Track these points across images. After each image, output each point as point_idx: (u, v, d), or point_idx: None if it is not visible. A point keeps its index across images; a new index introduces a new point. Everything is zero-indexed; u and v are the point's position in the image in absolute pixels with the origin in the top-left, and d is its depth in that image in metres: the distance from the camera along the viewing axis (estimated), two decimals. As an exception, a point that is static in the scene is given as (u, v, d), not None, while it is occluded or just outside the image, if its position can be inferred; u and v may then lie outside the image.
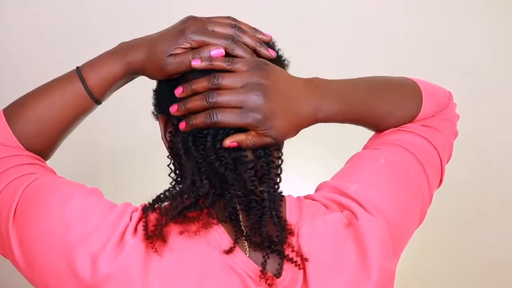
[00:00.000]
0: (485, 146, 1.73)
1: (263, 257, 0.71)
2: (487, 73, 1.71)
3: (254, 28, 0.79)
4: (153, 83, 0.81)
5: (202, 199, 0.72)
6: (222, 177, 0.72)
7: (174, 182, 0.77)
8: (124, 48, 0.78)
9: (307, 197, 0.81)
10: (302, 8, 1.66)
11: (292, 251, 0.72)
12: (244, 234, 0.72)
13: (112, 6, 1.55)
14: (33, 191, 0.72)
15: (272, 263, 0.71)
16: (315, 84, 0.77)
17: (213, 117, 0.72)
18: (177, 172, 0.77)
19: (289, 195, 0.80)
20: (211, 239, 0.71)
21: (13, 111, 0.78)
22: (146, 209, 0.71)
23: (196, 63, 0.73)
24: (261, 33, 0.79)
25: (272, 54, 0.77)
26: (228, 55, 0.74)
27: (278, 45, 0.81)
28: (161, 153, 0.81)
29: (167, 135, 0.78)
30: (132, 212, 0.71)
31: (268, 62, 0.75)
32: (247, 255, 0.72)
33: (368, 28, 1.68)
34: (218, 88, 0.72)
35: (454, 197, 1.65)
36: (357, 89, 0.82)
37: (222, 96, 0.72)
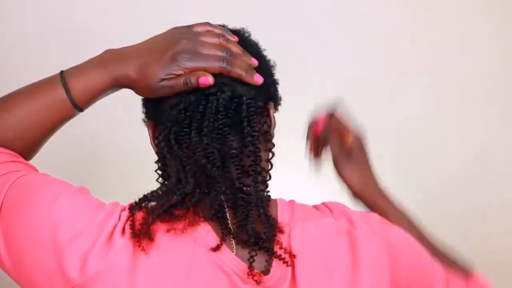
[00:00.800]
0: (485, 146, 1.73)
1: (249, 253, 0.71)
2: (488, 73, 1.71)
3: (238, 41, 0.79)
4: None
5: (188, 197, 0.72)
6: (208, 175, 0.72)
7: (161, 185, 0.77)
8: (111, 61, 0.76)
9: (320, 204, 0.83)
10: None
11: (281, 248, 0.72)
12: (232, 232, 0.72)
13: (113, 6, 1.55)
14: (19, 189, 0.71)
15: (260, 260, 0.71)
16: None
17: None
18: (166, 171, 0.77)
19: (280, 198, 0.80)
20: (198, 237, 0.71)
21: None
22: (133, 208, 0.71)
23: (207, 81, 0.73)
24: (248, 56, 0.78)
25: (258, 81, 0.77)
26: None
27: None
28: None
29: (156, 140, 0.78)
30: (121, 211, 0.71)
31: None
32: (234, 253, 0.72)
33: (363, 24, 1.68)
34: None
35: (454, 197, 1.66)
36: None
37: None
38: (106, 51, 0.78)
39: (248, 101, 0.75)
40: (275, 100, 0.84)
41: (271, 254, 0.72)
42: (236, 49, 0.77)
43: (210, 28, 0.79)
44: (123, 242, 0.68)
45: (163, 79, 0.73)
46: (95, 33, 1.49)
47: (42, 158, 0.82)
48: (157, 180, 0.78)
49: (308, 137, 0.94)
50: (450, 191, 1.67)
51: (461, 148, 1.71)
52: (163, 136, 0.74)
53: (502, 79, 1.72)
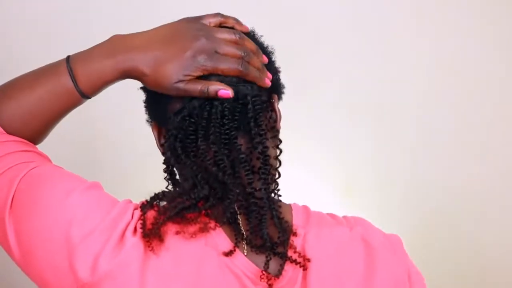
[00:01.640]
0: (485, 146, 1.73)
1: (266, 257, 0.71)
2: (489, 72, 1.71)
3: (250, 31, 0.79)
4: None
5: (201, 201, 0.72)
6: (220, 181, 0.71)
7: (171, 184, 0.76)
8: (119, 52, 0.73)
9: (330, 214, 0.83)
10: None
11: (295, 252, 0.72)
12: (245, 237, 0.72)
13: (114, 4, 1.55)
14: (31, 182, 0.70)
15: (273, 263, 0.72)
16: None
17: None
18: (172, 175, 0.76)
19: (294, 203, 0.80)
20: (209, 239, 0.71)
21: None
22: (144, 207, 0.71)
23: (227, 93, 0.72)
24: (260, 54, 0.77)
25: (268, 84, 0.76)
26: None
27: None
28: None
29: (162, 146, 0.77)
30: (134, 210, 0.71)
31: None
32: (245, 254, 0.72)
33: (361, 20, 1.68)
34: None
35: (454, 198, 1.66)
36: None
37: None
38: (113, 37, 0.75)
39: (253, 99, 0.73)
40: (278, 90, 0.82)
41: (285, 258, 0.72)
42: (251, 46, 0.76)
43: (223, 20, 0.76)
44: (134, 241, 0.67)
45: (179, 81, 0.71)
46: (96, 31, 1.49)
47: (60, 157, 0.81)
48: (165, 178, 0.77)
49: None
50: (450, 191, 1.68)
51: (461, 149, 1.71)
52: (168, 144, 0.73)
53: (503, 79, 1.72)
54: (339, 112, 1.64)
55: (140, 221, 0.69)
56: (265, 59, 0.77)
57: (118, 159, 1.58)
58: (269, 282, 0.70)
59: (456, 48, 1.69)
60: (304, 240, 0.74)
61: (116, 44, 0.74)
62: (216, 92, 0.71)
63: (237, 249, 0.71)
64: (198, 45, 0.72)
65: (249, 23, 0.80)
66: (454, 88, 1.70)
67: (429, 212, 1.66)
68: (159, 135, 0.78)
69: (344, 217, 0.84)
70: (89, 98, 0.77)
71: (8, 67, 1.47)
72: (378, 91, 1.65)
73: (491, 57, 1.70)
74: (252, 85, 0.74)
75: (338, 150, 1.64)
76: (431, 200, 1.65)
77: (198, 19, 0.76)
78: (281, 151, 0.77)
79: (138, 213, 0.70)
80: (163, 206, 0.71)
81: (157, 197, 0.72)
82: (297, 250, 0.73)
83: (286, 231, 0.72)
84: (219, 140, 0.71)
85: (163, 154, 0.76)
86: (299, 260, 0.72)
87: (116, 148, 1.57)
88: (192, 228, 0.70)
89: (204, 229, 0.70)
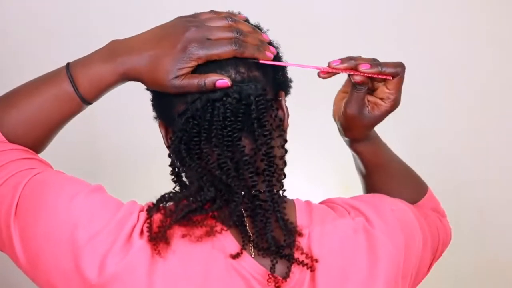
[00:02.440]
0: (485, 146, 1.73)
1: (271, 261, 0.70)
2: (489, 72, 1.71)
3: (246, 19, 0.77)
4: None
5: (208, 204, 0.71)
6: (226, 184, 0.70)
7: (178, 185, 0.76)
8: (118, 54, 0.73)
9: (325, 201, 0.83)
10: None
11: (302, 253, 0.72)
12: (251, 239, 0.71)
13: (114, 4, 1.55)
14: (35, 187, 0.70)
15: (280, 265, 0.71)
16: None
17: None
18: (179, 176, 0.75)
19: (297, 199, 0.79)
20: (216, 242, 0.70)
21: (0, 109, 0.75)
22: (150, 210, 0.70)
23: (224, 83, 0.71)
24: (258, 32, 0.76)
25: (271, 56, 0.74)
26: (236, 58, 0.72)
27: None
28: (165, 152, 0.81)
29: (168, 148, 0.76)
30: (140, 212, 0.70)
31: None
32: (253, 256, 0.71)
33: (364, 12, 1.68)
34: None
35: (454, 197, 1.66)
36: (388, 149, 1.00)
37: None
38: (112, 42, 0.75)
39: (257, 99, 0.71)
40: (285, 86, 0.80)
41: (292, 261, 0.71)
42: (245, 27, 0.73)
43: (216, 15, 0.75)
44: (141, 244, 0.67)
45: (175, 77, 0.70)
46: (97, 30, 1.49)
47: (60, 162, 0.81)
48: (172, 180, 0.76)
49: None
50: (450, 191, 1.68)
51: (461, 149, 1.71)
52: (173, 147, 0.72)
53: (503, 79, 1.72)
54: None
55: (147, 224, 0.69)
56: (266, 37, 0.75)
57: (119, 159, 1.58)
58: (277, 285, 0.70)
59: (456, 48, 1.69)
60: (309, 239, 0.74)
61: (115, 48, 0.74)
62: (214, 83, 0.70)
63: (244, 252, 0.71)
64: (188, 35, 0.71)
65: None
66: (454, 88, 1.70)
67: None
68: (166, 134, 0.78)
69: (357, 197, 0.84)
70: (90, 103, 0.77)
71: (8, 67, 1.48)
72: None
73: (491, 57, 1.70)
74: (256, 84, 0.72)
75: (337, 150, 1.63)
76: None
77: (191, 15, 0.75)
78: (286, 151, 0.75)
79: (144, 215, 0.70)
80: (169, 209, 0.71)
81: (163, 198, 0.71)
82: (304, 251, 0.72)
83: (291, 233, 0.72)
84: (222, 142, 0.70)
85: (169, 155, 0.75)
86: (306, 261, 0.72)
87: (117, 148, 1.57)
88: (199, 231, 0.70)
89: (210, 233, 0.70)
